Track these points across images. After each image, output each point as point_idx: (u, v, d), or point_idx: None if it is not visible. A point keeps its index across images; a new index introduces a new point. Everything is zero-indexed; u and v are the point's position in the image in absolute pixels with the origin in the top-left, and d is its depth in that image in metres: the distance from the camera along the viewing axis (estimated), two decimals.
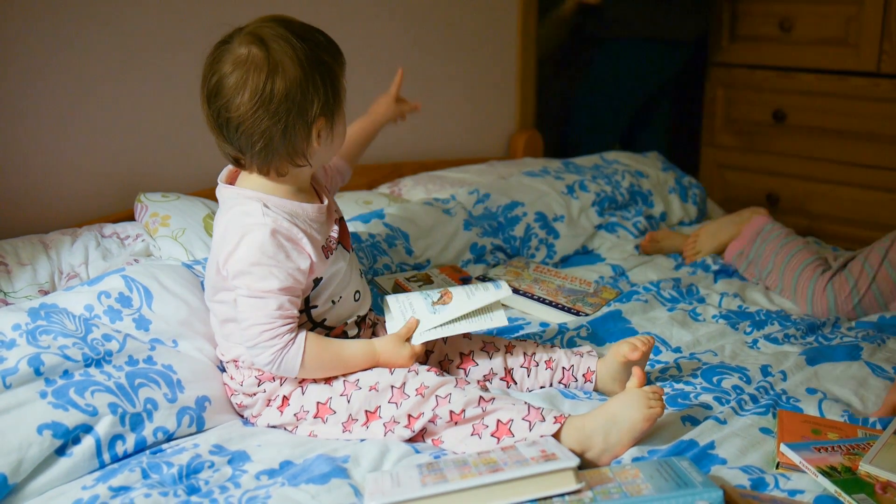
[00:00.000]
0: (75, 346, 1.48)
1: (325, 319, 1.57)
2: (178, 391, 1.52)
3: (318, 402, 1.51)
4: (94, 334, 1.52)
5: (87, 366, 1.47)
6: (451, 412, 1.45)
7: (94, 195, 2.11)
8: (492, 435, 1.43)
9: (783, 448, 1.40)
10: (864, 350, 1.81)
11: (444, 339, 1.69)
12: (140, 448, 1.44)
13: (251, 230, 1.44)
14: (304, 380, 1.53)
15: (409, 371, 1.51)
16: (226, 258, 1.46)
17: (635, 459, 1.40)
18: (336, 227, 1.58)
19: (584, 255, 2.42)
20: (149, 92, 2.18)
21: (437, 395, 1.47)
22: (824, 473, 1.33)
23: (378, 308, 1.79)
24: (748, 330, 1.94)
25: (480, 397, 1.45)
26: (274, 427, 1.55)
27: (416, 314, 1.61)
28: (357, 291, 1.62)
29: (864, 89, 3.13)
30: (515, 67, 3.12)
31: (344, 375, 1.53)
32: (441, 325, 1.60)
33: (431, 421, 1.46)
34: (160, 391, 1.50)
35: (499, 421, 1.43)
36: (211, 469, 1.40)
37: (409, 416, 1.47)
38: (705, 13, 3.22)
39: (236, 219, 1.47)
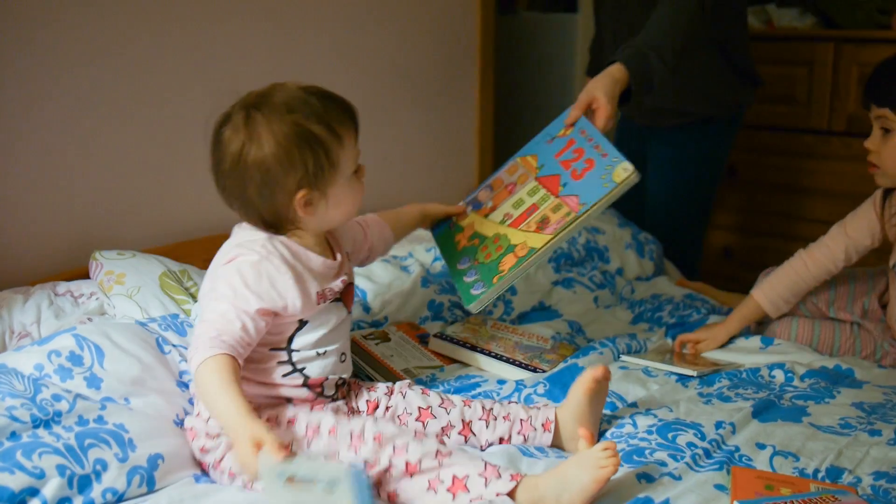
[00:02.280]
0: (23, 407, 1.46)
1: (305, 367, 1.59)
2: (129, 450, 1.49)
3: None
4: (43, 394, 1.50)
5: (36, 427, 1.45)
6: (408, 462, 1.44)
7: (47, 253, 2.09)
8: (447, 490, 1.42)
9: None
10: (808, 408, 1.83)
11: (403, 394, 1.69)
12: None
13: (243, 254, 1.52)
14: (267, 421, 1.52)
15: (367, 418, 1.52)
16: (213, 268, 1.54)
17: None
18: (340, 283, 1.62)
19: (542, 311, 2.43)
20: (104, 148, 2.17)
21: (394, 445, 1.46)
22: None
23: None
24: (698, 386, 1.96)
25: (438, 450, 1.45)
26: (233, 477, 1.52)
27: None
28: (343, 354, 1.65)
29: (816, 146, 3.20)
30: (475, 121, 3.15)
31: (307, 421, 1.52)
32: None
33: (387, 470, 1.45)
34: (111, 451, 1.47)
35: (454, 476, 1.43)
36: None
37: (366, 462, 1.46)
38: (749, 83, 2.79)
39: (238, 240, 1.57)
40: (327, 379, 1.63)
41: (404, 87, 2.87)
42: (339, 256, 1.65)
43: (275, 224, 1.57)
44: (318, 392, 1.63)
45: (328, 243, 1.67)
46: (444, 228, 2.01)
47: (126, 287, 1.92)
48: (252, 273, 1.51)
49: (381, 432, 1.48)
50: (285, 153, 1.49)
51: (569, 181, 1.85)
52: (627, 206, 2.83)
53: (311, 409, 1.58)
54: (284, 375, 1.58)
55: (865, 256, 2.20)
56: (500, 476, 1.42)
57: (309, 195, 1.52)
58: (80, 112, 2.11)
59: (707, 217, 2.92)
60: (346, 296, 1.65)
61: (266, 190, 1.51)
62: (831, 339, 2.19)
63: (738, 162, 3.41)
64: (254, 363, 1.56)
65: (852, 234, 2.15)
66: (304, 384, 1.60)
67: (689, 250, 2.94)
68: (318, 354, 1.59)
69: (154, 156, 2.27)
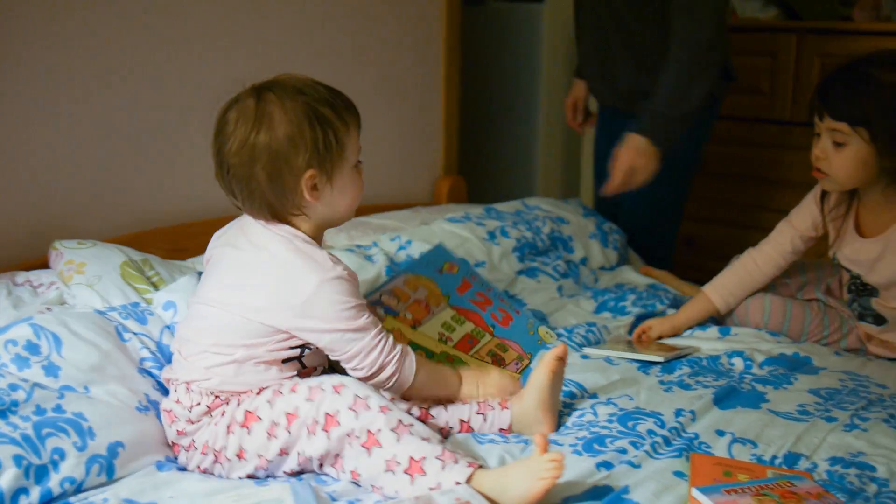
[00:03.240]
0: None
1: (305, 359, 1.61)
2: (88, 439, 1.49)
3: (245, 410, 1.53)
4: None
5: None
6: (369, 431, 1.45)
7: (5, 242, 2.07)
8: (405, 472, 1.43)
9: (694, 492, 1.42)
10: (767, 395, 1.85)
11: None
12: (46, 501, 1.40)
13: (327, 274, 1.54)
14: (245, 394, 1.54)
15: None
16: (302, 303, 1.53)
17: None
18: None
19: None
20: (64, 137, 2.15)
21: (356, 395, 1.48)
22: None
23: None
24: (658, 374, 1.97)
25: (399, 420, 1.46)
26: (206, 453, 1.54)
27: None
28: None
29: (778, 137, 3.23)
30: (440, 114, 3.15)
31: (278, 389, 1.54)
32: None
33: (348, 437, 1.46)
34: (69, 440, 1.46)
35: (411, 458, 1.43)
36: None
37: (328, 414, 1.47)
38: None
39: (302, 262, 1.55)
40: (316, 368, 1.65)
41: (368, 77, 2.86)
42: None
43: (279, 210, 1.57)
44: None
45: None
46: None
47: (86, 276, 1.91)
48: (349, 288, 1.56)
49: (342, 383, 1.50)
50: (297, 130, 1.52)
51: (496, 325, 2.00)
52: (602, 198, 2.89)
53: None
54: (284, 362, 1.59)
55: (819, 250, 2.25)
56: (457, 462, 1.43)
57: (316, 177, 1.54)
58: (39, 101, 2.09)
59: (681, 209, 2.94)
60: None
61: (274, 170, 1.52)
62: (802, 316, 2.24)
63: (704, 152, 3.43)
64: (263, 362, 1.57)
65: (798, 226, 2.23)
66: (298, 373, 1.61)
67: (664, 241, 2.96)
68: (314, 349, 1.62)
69: (115, 145, 2.25)
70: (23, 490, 1.38)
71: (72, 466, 1.44)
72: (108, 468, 1.48)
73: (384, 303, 1.89)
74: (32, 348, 1.58)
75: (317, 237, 1.63)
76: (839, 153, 1.99)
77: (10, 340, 1.57)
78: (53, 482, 1.41)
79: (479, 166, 3.88)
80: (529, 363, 1.96)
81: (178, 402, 1.58)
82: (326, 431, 1.47)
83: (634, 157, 2.42)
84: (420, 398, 1.67)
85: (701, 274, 2.89)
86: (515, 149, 3.99)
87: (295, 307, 1.53)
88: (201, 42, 2.39)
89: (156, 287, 1.91)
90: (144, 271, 1.95)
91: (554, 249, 2.66)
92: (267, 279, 1.56)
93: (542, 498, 1.39)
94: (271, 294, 1.55)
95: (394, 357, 1.58)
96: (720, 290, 2.27)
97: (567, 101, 3.03)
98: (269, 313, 1.55)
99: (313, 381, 1.53)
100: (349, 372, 1.60)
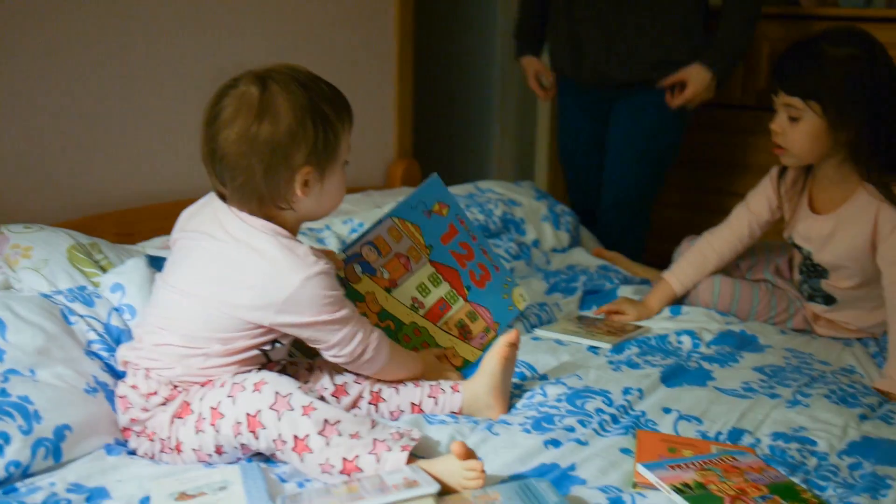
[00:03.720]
0: None
1: (271, 352, 1.61)
2: (34, 422, 1.47)
3: (184, 402, 1.53)
4: None
5: None
6: (296, 437, 1.44)
7: None
8: (341, 472, 1.43)
9: (639, 468, 1.45)
10: (713, 373, 1.89)
11: (321, 370, 1.72)
12: None
13: (310, 270, 1.52)
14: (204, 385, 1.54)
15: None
16: (284, 300, 1.51)
17: (498, 483, 1.41)
18: None
19: None
20: (10, 119, 2.12)
21: (276, 394, 1.46)
22: (677, 490, 1.38)
23: None
24: (608, 354, 2.00)
25: (325, 421, 1.44)
26: (153, 440, 1.54)
27: None
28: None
29: (728, 121, 3.27)
30: (393, 96, 3.14)
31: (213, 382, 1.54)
32: None
33: (276, 443, 1.45)
34: (14, 423, 1.45)
35: (344, 459, 1.43)
36: None
37: (248, 415, 1.46)
38: None
39: (282, 255, 1.52)
40: (278, 362, 1.65)
41: (320, 59, 2.85)
42: None
43: (267, 202, 1.55)
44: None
45: None
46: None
47: (33, 260, 1.88)
48: (330, 281, 1.55)
49: (263, 379, 1.48)
50: (300, 125, 1.50)
51: (472, 286, 1.98)
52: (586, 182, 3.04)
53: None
54: (248, 358, 1.58)
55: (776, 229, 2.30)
56: (390, 450, 1.43)
57: (311, 174, 1.53)
58: None
59: (657, 191, 3.01)
60: None
61: (272, 164, 1.50)
62: (750, 296, 2.28)
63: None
64: (232, 353, 1.56)
65: (754, 209, 2.28)
66: (264, 366, 1.60)
67: (640, 222, 3.02)
68: (283, 344, 1.62)
69: (64, 129, 2.22)
70: None
71: (17, 450, 1.42)
72: (54, 451, 1.47)
73: (364, 256, 1.85)
74: None
75: (294, 231, 1.62)
76: (794, 127, 2.04)
77: None
78: None
79: (433, 149, 3.88)
80: (495, 336, 1.96)
81: (134, 387, 1.56)
82: (252, 432, 1.46)
83: (699, 86, 2.73)
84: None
85: (651, 256, 2.93)
86: (470, 132, 4.01)
87: (277, 304, 1.52)
88: (150, 25, 2.36)
89: (104, 270, 1.90)
90: (93, 255, 1.93)
91: (506, 232, 2.68)
92: (252, 277, 1.53)
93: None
94: (256, 291, 1.52)
95: (371, 344, 1.61)
96: (679, 276, 2.31)
97: (529, 79, 3.09)
98: (253, 310, 1.53)
99: (238, 377, 1.52)
100: (328, 358, 1.62)
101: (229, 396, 1.48)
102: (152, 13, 2.37)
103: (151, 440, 1.55)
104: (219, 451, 1.50)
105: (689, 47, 2.75)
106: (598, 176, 3.02)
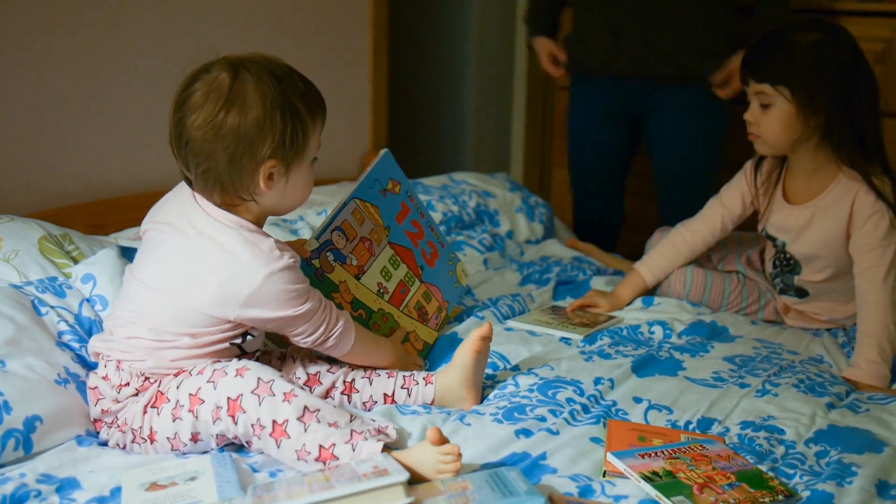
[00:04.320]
0: None
1: (244, 344, 1.61)
2: (3, 413, 1.47)
3: (157, 391, 1.52)
4: None
5: None
6: (274, 422, 1.44)
7: None
8: (316, 460, 1.43)
9: (609, 456, 1.46)
10: (684, 363, 1.90)
11: (294, 359, 1.73)
12: None
13: (274, 265, 1.51)
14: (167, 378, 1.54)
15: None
16: (248, 295, 1.50)
17: (469, 472, 1.42)
18: None
19: None
20: None
21: (259, 379, 1.47)
22: (646, 479, 1.39)
23: None
24: (580, 344, 2.01)
25: (305, 407, 1.45)
26: (123, 432, 1.54)
27: None
28: None
29: None
30: (368, 87, 3.14)
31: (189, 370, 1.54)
32: None
33: (254, 428, 1.45)
34: None
35: (321, 446, 1.43)
36: (37, 499, 1.36)
37: (230, 399, 1.46)
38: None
39: (245, 248, 1.51)
40: (254, 353, 1.64)
41: (293, 49, 2.84)
42: None
43: (230, 192, 1.53)
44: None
45: None
46: (309, 274, 1.78)
47: (3, 251, 1.87)
48: (294, 275, 1.54)
49: (246, 366, 1.49)
50: (268, 118, 1.48)
51: (424, 266, 2.00)
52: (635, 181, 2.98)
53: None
54: (220, 350, 1.58)
55: (747, 227, 2.33)
56: (366, 440, 1.44)
57: (275, 168, 1.52)
58: None
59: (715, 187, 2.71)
60: None
61: (237, 154, 1.49)
62: (722, 287, 2.30)
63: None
64: (202, 346, 1.56)
65: (727, 203, 2.30)
66: (238, 356, 1.60)
67: (694, 205, 2.73)
68: (255, 336, 1.61)
69: (35, 119, 2.21)
70: None
71: None
72: (24, 443, 1.47)
73: (334, 243, 1.83)
74: None
75: (259, 223, 1.60)
76: (766, 115, 2.06)
77: None
78: None
79: (408, 140, 3.88)
80: (446, 315, 2.01)
81: (105, 377, 1.56)
82: (232, 416, 1.46)
83: None
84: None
85: (624, 247, 2.95)
86: (445, 123, 4.00)
87: (241, 299, 1.51)
88: (121, 13, 2.35)
89: (76, 261, 1.89)
90: (64, 246, 1.93)
91: (480, 223, 2.69)
92: (216, 272, 1.52)
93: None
94: (219, 286, 1.51)
95: (336, 332, 1.61)
96: (651, 267, 2.33)
97: (543, 59, 2.96)
98: (217, 306, 1.52)
99: (219, 364, 1.52)
100: (293, 342, 1.62)
101: (210, 382, 1.49)
102: (128, 3, 2.36)
103: (122, 431, 1.54)
104: (194, 438, 1.50)
105: (728, 38, 2.68)
106: (619, 184, 2.98)
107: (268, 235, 1.56)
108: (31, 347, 1.59)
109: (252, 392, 1.46)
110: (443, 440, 1.40)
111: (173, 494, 1.36)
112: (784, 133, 2.06)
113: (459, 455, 1.39)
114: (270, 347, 1.82)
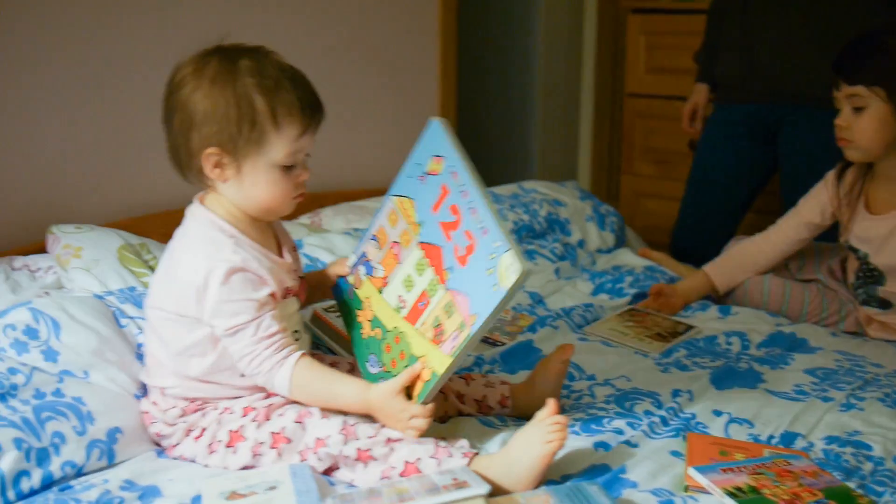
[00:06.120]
0: None
1: None
2: (87, 423, 1.49)
3: (230, 431, 1.50)
4: None
5: None
6: (359, 449, 1.45)
7: (3, 227, 2.07)
8: (400, 475, 1.43)
9: (691, 471, 1.43)
10: (764, 375, 1.87)
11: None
12: (47, 484, 1.41)
13: (217, 266, 1.46)
14: (224, 411, 1.52)
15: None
16: (196, 296, 1.47)
17: (548, 484, 1.41)
18: (297, 280, 1.61)
19: None
20: (62, 122, 2.14)
21: (345, 422, 1.47)
22: (730, 494, 1.36)
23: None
24: (657, 356, 1.98)
25: (388, 437, 1.46)
26: (190, 460, 1.53)
27: None
28: (297, 330, 1.62)
29: None
30: (436, 96, 3.14)
31: (265, 412, 1.52)
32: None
33: (339, 458, 1.46)
34: (69, 424, 1.47)
35: (406, 461, 1.43)
36: None
37: (318, 439, 1.47)
38: None
39: (199, 244, 1.50)
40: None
41: (363, 59, 2.86)
42: (286, 256, 1.61)
43: (184, 170, 1.53)
44: None
45: (276, 242, 1.63)
46: (344, 293, 1.73)
47: (84, 260, 1.91)
48: (238, 281, 1.47)
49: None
50: (220, 104, 1.46)
51: (454, 265, 1.54)
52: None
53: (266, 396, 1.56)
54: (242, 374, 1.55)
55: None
56: (451, 455, 1.43)
57: (220, 156, 1.49)
58: (38, 89, 2.08)
59: None
60: (301, 291, 1.64)
61: (183, 128, 1.49)
62: (801, 297, 2.26)
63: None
64: (211, 371, 1.53)
65: (806, 215, 2.26)
66: None
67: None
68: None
69: (112, 129, 2.25)
70: (24, 473, 1.38)
71: (72, 451, 1.45)
72: (108, 453, 1.49)
73: (368, 255, 1.70)
74: (31, 333, 1.58)
75: (236, 220, 1.54)
76: (860, 118, 2.04)
77: (9, 325, 1.57)
78: (55, 465, 1.42)
79: (475, 149, 3.87)
80: (468, 337, 1.47)
81: (154, 403, 1.57)
82: (316, 453, 1.46)
83: None
84: None
85: (695, 258, 2.90)
86: (512, 131, 3.99)
87: (195, 289, 1.47)
88: (201, 15, 2.38)
89: (153, 271, 1.91)
90: (142, 255, 1.95)
91: (551, 232, 2.67)
92: (180, 268, 1.51)
93: (551, 462, 1.40)
94: (180, 282, 1.49)
95: (261, 372, 1.49)
96: (721, 271, 2.29)
97: (686, 108, 2.96)
98: (179, 301, 1.49)
99: (301, 407, 1.51)
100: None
101: (296, 423, 1.48)
102: (205, 16, 2.39)
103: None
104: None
105: None
106: (742, 205, 2.92)
107: (233, 237, 1.51)
108: (113, 359, 1.62)
109: (339, 432, 1.46)
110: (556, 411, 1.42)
111: (254, 503, 1.37)
112: (878, 136, 2.03)
113: (566, 426, 1.39)
114: (339, 357, 1.81)
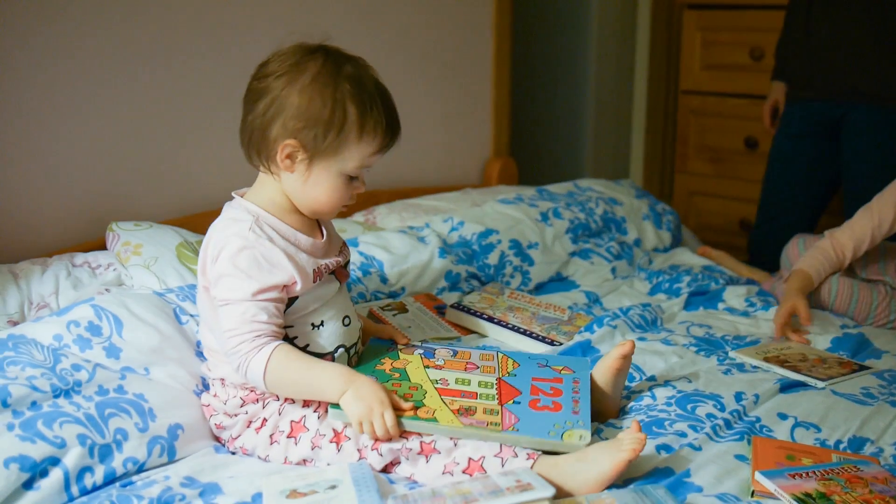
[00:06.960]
0: (44, 377, 1.46)
1: (308, 345, 1.55)
2: (149, 420, 1.50)
3: (291, 421, 1.51)
4: (63, 364, 1.50)
5: (56, 396, 1.45)
6: (422, 442, 1.44)
7: (64, 224, 2.10)
8: (463, 472, 1.42)
9: (758, 476, 1.40)
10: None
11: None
12: (109, 480, 1.42)
13: (230, 241, 1.48)
14: (285, 401, 1.52)
15: None
16: (202, 266, 1.52)
17: (612, 488, 1.39)
18: (332, 261, 1.58)
19: (559, 282, 2.42)
20: (121, 120, 2.16)
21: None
22: (799, 500, 1.33)
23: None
24: (721, 357, 1.95)
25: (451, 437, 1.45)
26: (248, 454, 1.54)
27: None
28: (347, 317, 1.60)
29: None
30: (490, 95, 3.13)
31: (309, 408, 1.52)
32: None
33: (402, 451, 1.45)
34: (131, 420, 1.48)
35: (470, 458, 1.42)
36: (182, 502, 1.38)
37: (378, 439, 1.45)
38: None
39: (223, 224, 1.52)
40: (336, 352, 1.59)
41: (418, 58, 2.85)
42: (325, 235, 1.61)
43: (253, 154, 1.54)
44: None
45: (318, 226, 1.63)
46: (383, 344, 1.71)
47: (143, 258, 1.92)
48: (245, 259, 1.47)
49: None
50: (315, 101, 1.47)
51: (523, 402, 1.53)
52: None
53: None
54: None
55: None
56: (516, 455, 1.41)
57: (296, 150, 1.49)
58: (96, 83, 2.11)
59: None
60: (339, 273, 1.62)
61: (270, 113, 1.49)
62: (869, 298, 2.21)
63: (757, 132, 3.38)
64: None
65: (880, 214, 2.20)
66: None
67: None
68: (315, 326, 1.56)
69: (171, 127, 2.26)
70: (87, 469, 1.39)
71: (134, 447, 1.45)
72: (169, 449, 1.50)
73: (434, 350, 1.68)
74: (94, 329, 1.59)
75: (280, 210, 1.55)
76: None
77: (73, 321, 1.59)
78: (117, 462, 1.43)
79: (528, 147, 3.86)
80: (496, 431, 1.44)
81: (215, 395, 1.57)
82: (376, 449, 1.45)
83: None
84: None
85: (747, 255, 2.86)
86: (565, 130, 3.96)
87: (209, 256, 1.51)
88: (260, 18, 2.38)
89: None
90: (199, 252, 1.96)
91: (607, 231, 2.64)
92: (201, 252, 1.55)
93: (624, 469, 1.38)
94: (202, 263, 1.54)
95: (238, 352, 1.46)
96: (814, 265, 2.22)
97: (766, 106, 2.99)
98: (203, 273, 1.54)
99: None
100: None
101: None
102: (255, 13, 2.40)
103: (247, 453, 1.54)
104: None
105: None
106: (820, 202, 2.92)
107: (256, 215, 1.52)
108: (173, 356, 1.63)
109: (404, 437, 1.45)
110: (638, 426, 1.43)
111: (314, 502, 1.36)
112: None
113: (644, 443, 1.39)
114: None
